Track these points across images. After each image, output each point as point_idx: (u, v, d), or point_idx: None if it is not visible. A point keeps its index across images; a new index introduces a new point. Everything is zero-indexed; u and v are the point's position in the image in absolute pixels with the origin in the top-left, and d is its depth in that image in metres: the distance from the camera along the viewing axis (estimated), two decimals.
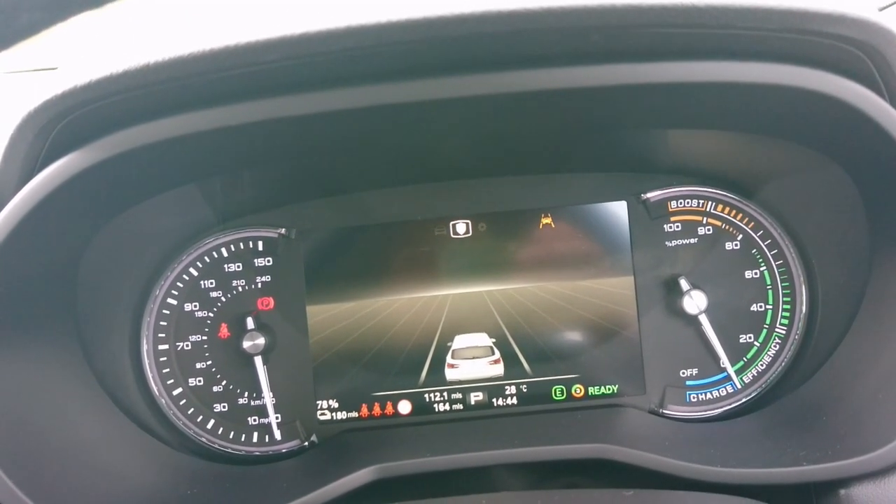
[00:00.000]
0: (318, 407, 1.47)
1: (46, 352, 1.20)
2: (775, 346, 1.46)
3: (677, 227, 1.47)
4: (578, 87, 0.93)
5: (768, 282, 1.46)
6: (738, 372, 1.46)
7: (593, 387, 1.47)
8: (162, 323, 1.45)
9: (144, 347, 1.44)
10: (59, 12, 0.38)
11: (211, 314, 1.46)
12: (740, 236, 1.46)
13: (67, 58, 1.01)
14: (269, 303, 1.47)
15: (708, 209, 1.47)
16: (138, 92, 0.89)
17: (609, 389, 1.47)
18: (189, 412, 1.45)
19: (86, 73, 0.89)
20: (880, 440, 1.10)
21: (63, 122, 0.92)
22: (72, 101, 0.89)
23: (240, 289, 1.47)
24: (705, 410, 1.46)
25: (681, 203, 1.47)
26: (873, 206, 1.22)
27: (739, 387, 1.46)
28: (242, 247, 1.47)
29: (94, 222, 1.20)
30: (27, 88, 0.98)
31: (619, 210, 1.47)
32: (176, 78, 0.86)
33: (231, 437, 1.46)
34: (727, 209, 1.46)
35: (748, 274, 1.46)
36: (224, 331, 1.46)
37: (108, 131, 0.95)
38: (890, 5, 1.31)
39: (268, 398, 1.44)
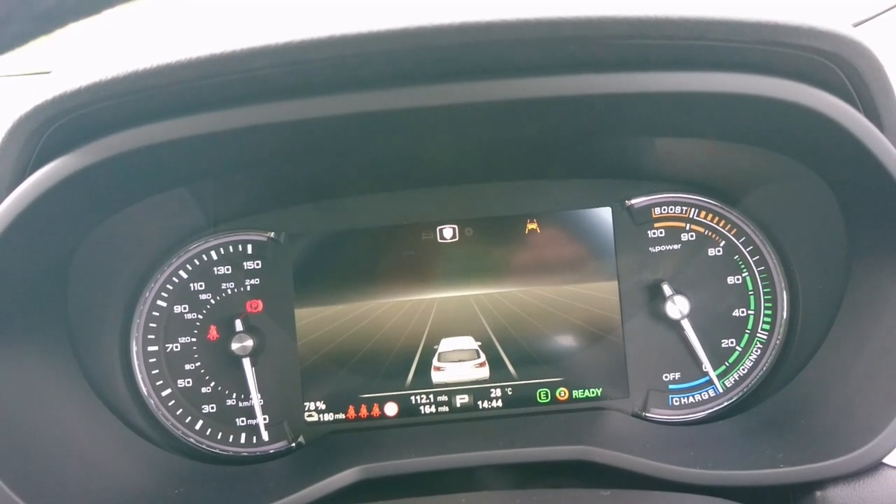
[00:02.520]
0: (306, 408, 1.48)
1: (37, 353, 1.21)
2: (756, 351, 1.48)
3: (661, 233, 1.49)
4: (559, 96, 0.96)
5: (750, 288, 1.48)
6: (720, 376, 1.48)
7: (577, 390, 1.49)
8: (151, 325, 1.47)
9: (134, 349, 1.45)
10: (48, 24, 0.40)
11: (200, 316, 1.48)
12: (723, 243, 1.48)
13: (60, 62, 1.03)
14: (257, 305, 1.49)
15: (691, 216, 1.49)
16: (128, 97, 0.91)
17: (593, 393, 1.49)
18: (178, 413, 1.47)
19: (76, 78, 0.91)
20: (855, 443, 1.13)
21: (53, 127, 0.94)
22: (62, 105, 0.91)
23: (229, 291, 1.49)
24: (687, 414, 1.48)
25: (664, 210, 1.49)
26: (850, 213, 1.25)
27: (721, 391, 1.48)
28: (232, 250, 1.49)
29: (85, 225, 1.21)
30: (19, 92, 1.00)
31: (603, 216, 1.49)
32: (165, 84, 0.88)
33: (219, 437, 1.48)
34: (710, 216, 1.49)
35: (730, 280, 1.48)
36: (213, 333, 1.48)
37: (98, 135, 0.97)
38: (864, 21, 1.34)
39: (256, 400, 1.46)
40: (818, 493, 1.15)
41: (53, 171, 0.97)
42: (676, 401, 1.49)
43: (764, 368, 1.48)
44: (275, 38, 0.85)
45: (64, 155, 0.97)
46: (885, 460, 1.14)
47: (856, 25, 1.24)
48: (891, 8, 1.30)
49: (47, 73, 1.03)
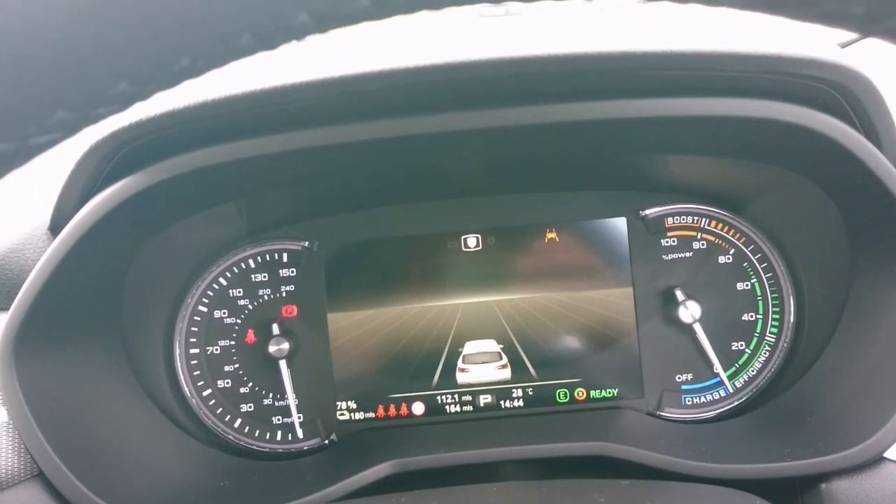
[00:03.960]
0: (338, 407, 1.56)
1: (95, 356, 1.30)
2: (765, 354, 1.54)
3: (673, 241, 1.55)
4: (580, 121, 1.04)
5: (758, 293, 1.54)
6: (731, 377, 1.54)
7: (595, 390, 1.56)
8: (193, 329, 1.55)
9: (177, 351, 1.54)
10: (180, 80, 0.48)
11: (239, 321, 1.56)
12: (732, 250, 1.55)
13: None
14: (292, 310, 1.57)
15: (702, 225, 1.55)
16: (195, 124, 1.00)
17: (609, 393, 1.56)
18: (218, 412, 1.55)
19: (150, 105, 1.00)
20: (858, 439, 1.19)
21: (126, 149, 1.04)
22: (137, 131, 1.00)
23: (265, 297, 1.57)
24: (699, 413, 1.55)
25: (677, 219, 1.56)
26: (852, 223, 1.32)
27: (731, 391, 1.55)
28: (268, 258, 1.57)
29: (142, 238, 1.30)
30: None
31: (619, 226, 1.56)
32: (231, 112, 0.97)
33: (256, 435, 1.56)
34: (720, 225, 1.55)
35: (740, 286, 1.54)
36: (251, 336, 1.56)
37: (163, 157, 1.06)
38: (851, 42, 1.41)
39: (291, 399, 1.53)
40: (823, 486, 1.21)
41: (122, 190, 1.06)
42: (689, 400, 1.55)
43: (772, 370, 1.54)
44: (330, 72, 0.94)
45: (131, 175, 1.06)
46: (886, 454, 1.20)
47: (843, 46, 1.31)
48: None
49: None
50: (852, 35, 1.40)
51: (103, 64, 0.44)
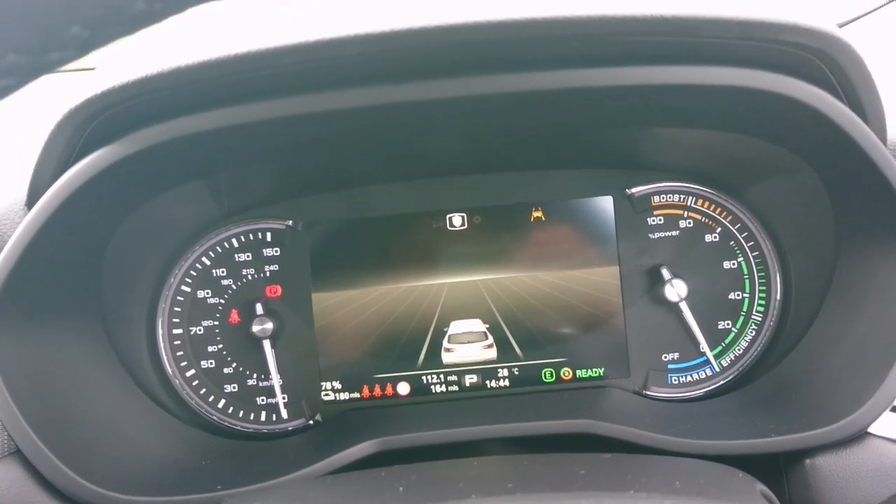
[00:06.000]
0: (323, 388, 1.55)
1: (74, 334, 1.29)
2: (751, 332, 1.54)
3: (660, 220, 1.55)
4: (561, 89, 1.03)
5: (745, 272, 1.55)
6: (717, 356, 1.54)
7: (581, 370, 1.56)
8: (176, 309, 1.54)
9: (160, 332, 1.53)
10: (136, 26, 0.47)
11: (222, 301, 1.55)
12: (719, 229, 1.55)
13: (103, 59, 1.10)
14: (276, 290, 1.56)
15: (689, 203, 1.55)
16: (168, 92, 0.98)
17: (595, 372, 1.56)
18: (201, 392, 1.54)
19: (122, 74, 0.98)
20: (842, 414, 1.20)
21: (99, 119, 1.02)
22: (110, 99, 0.98)
23: (249, 277, 1.56)
24: (686, 392, 1.55)
25: (663, 198, 1.55)
26: (837, 200, 1.31)
27: (718, 370, 1.55)
28: (252, 237, 1.56)
29: (120, 212, 1.28)
30: (63, 88, 1.07)
31: (605, 204, 1.55)
32: (202, 79, 0.95)
33: (241, 415, 1.55)
34: (707, 203, 1.55)
35: (726, 264, 1.55)
36: (234, 316, 1.55)
37: (137, 127, 1.04)
38: (849, 22, 1.40)
39: (275, 380, 1.53)
40: (807, 461, 1.22)
41: (97, 161, 1.05)
42: (675, 380, 1.55)
43: (758, 348, 1.54)
44: (304, 37, 0.93)
45: (107, 145, 1.05)
46: (870, 429, 1.20)
47: (841, 26, 1.31)
48: (873, 10, 1.37)
49: (91, 69, 1.10)
50: (849, 15, 1.39)
51: (53, 3, 0.43)
